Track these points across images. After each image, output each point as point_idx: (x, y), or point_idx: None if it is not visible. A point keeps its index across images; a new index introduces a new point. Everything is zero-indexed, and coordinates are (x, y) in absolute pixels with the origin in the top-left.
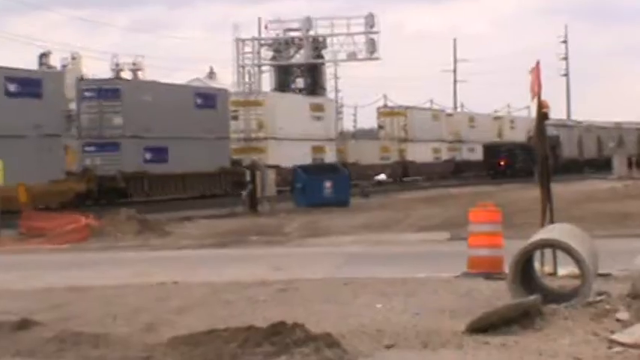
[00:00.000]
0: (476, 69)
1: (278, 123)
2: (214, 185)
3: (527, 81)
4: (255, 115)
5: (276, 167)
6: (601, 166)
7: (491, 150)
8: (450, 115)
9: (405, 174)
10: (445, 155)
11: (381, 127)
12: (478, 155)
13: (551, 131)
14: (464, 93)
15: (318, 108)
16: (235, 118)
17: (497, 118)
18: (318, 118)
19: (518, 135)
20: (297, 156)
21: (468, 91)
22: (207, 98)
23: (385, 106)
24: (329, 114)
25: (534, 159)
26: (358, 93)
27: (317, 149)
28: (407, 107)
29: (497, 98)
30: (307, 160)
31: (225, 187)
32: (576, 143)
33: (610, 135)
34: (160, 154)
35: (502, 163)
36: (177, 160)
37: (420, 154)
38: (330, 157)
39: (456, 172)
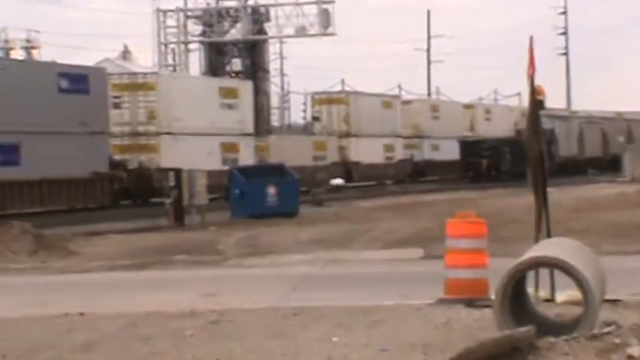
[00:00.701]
0: (455, 47)
1: (174, 113)
2: (86, 195)
3: (523, 62)
4: (144, 102)
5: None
6: (606, 166)
7: (470, 147)
8: (406, 102)
9: (347, 178)
10: (400, 154)
11: (315, 118)
12: (444, 154)
13: (545, 124)
14: (441, 77)
15: (230, 93)
16: (118, 106)
17: (468, 106)
18: (230, 107)
19: (496, 128)
20: (199, 156)
21: (446, 74)
22: (77, 80)
23: (342, 91)
24: (245, 101)
25: (526, 158)
26: (309, 77)
27: (228, 147)
28: (349, 92)
29: (482, 83)
30: (215, 161)
31: (102, 198)
32: (576, 138)
33: (617, 128)
34: (7, 154)
35: (484, 163)
36: (34, 162)
37: (366, 152)
38: (245, 156)
39: (414, 175)
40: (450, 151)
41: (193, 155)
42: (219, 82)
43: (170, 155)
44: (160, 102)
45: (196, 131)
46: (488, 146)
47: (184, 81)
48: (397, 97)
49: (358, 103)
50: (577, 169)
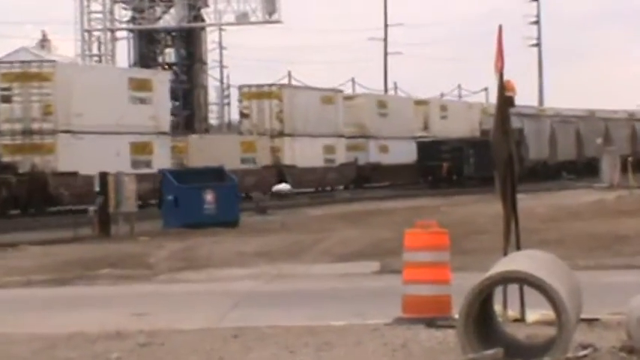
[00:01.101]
0: (415, 37)
1: (75, 107)
2: None
3: (491, 54)
4: (38, 95)
5: (74, 175)
6: (581, 170)
7: (429, 149)
8: (350, 98)
9: (280, 183)
10: (342, 156)
11: (244, 115)
12: (393, 156)
13: (513, 123)
14: (399, 70)
15: (142, 85)
16: (7, 99)
17: (421, 103)
18: (143, 101)
19: (453, 127)
20: (105, 158)
21: (405, 67)
22: None
23: (274, 84)
24: (160, 94)
25: (492, 161)
26: (252, 70)
27: (139, 147)
28: (283, 86)
29: (445, 78)
30: (124, 163)
31: None
32: (547, 139)
33: (593, 128)
34: None
35: (445, 166)
36: None
37: (303, 154)
38: (160, 158)
39: (359, 180)
40: (400, 153)
41: (97, 157)
42: (129, 73)
43: (69, 157)
44: (57, 95)
45: (101, 129)
46: (449, 148)
47: (87, 71)
48: (339, 91)
49: (293, 98)
50: (548, 173)
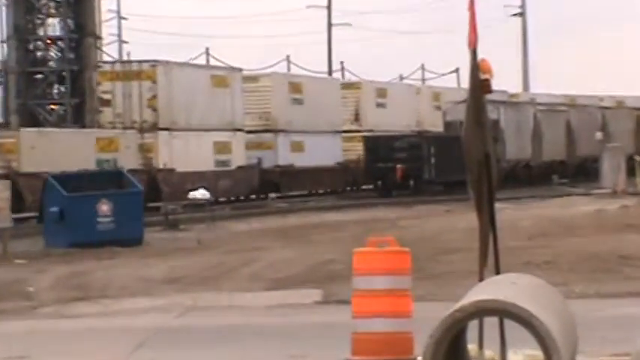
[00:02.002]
0: (368, 4)
1: None
2: None
3: (463, 25)
4: None
5: None
6: (573, 172)
7: (380, 146)
8: (251, 79)
9: (154, 194)
10: (241, 157)
11: (104, 102)
12: (312, 157)
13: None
14: (348, 46)
15: None
16: None
17: (349, 86)
18: None
19: (393, 117)
20: None
21: (356, 43)
22: None
23: (145, 60)
24: None
25: (461, 162)
26: (160, 47)
27: None
28: (157, 63)
29: (406, 56)
30: None
31: None
32: (530, 133)
33: (589, 119)
34: None
35: (399, 169)
36: None
37: (185, 155)
38: None
39: (264, 188)
40: (321, 153)
41: None
42: None
43: None
44: None
45: None
46: (405, 145)
47: None
48: (238, 70)
49: (172, 80)
50: (531, 177)
